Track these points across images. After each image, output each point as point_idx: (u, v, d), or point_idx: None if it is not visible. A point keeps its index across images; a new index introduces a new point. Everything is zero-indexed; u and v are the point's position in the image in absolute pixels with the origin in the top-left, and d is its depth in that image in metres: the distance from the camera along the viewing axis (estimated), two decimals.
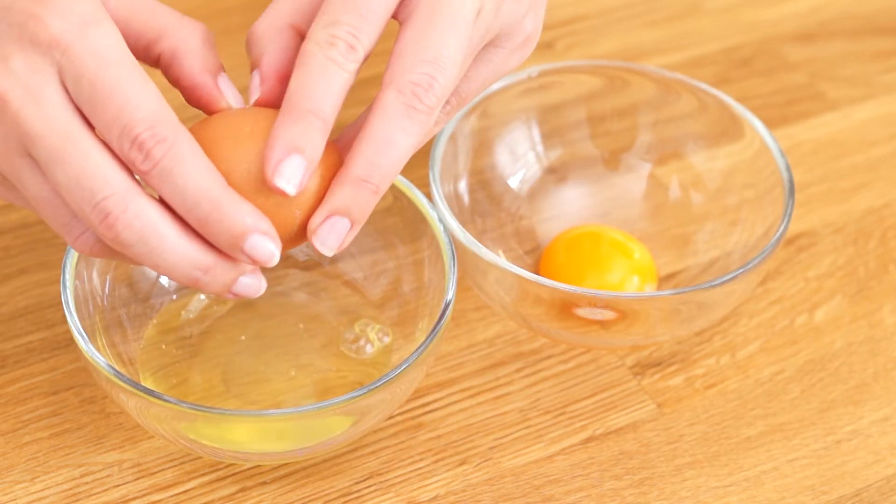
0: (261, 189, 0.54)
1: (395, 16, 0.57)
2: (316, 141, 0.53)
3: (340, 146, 0.58)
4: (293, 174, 0.53)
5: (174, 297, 0.68)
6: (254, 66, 0.58)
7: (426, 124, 0.55)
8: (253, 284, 0.55)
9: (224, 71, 0.58)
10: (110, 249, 0.55)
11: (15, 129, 0.53)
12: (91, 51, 0.52)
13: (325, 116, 0.54)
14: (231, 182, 0.54)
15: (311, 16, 0.57)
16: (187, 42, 0.57)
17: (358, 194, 0.54)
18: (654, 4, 0.90)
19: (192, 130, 0.55)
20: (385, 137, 0.54)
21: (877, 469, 0.66)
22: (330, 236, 0.55)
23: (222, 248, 0.53)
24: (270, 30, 0.57)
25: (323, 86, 0.54)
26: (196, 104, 0.58)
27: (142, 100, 0.52)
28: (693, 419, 0.68)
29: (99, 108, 0.52)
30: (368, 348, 0.67)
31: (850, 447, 0.67)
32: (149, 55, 0.58)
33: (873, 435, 0.67)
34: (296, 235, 0.56)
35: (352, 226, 0.55)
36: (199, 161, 0.52)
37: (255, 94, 0.57)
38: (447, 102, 0.59)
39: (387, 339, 0.68)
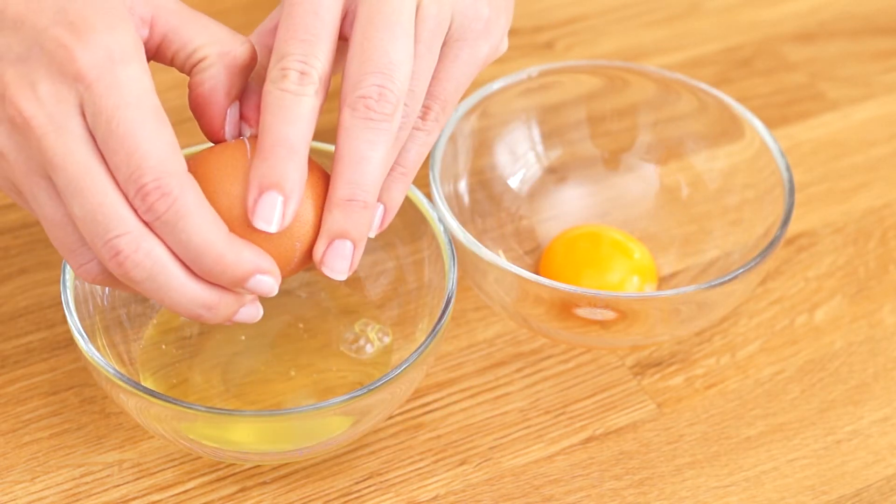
0: (255, 230, 0.55)
1: (342, 32, 0.58)
2: (288, 172, 0.54)
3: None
4: (270, 212, 0.54)
5: None
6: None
7: (389, 131, 0.56)
8: (251, 312, 0.57)
9: (238, 100, 0.58)
10: (113, 279, 0.56)
11: (37, 153, 0.54)
12: (112, 89, 0.53)
13: (293, 145, 0.54)
14: (233, 216, 0.55)
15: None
16: (231, 59, 0.57)
17: (349, 215, 0.56)
18: (654, 4, 0.90)
19: (198, 158, 0.56)
20: (355, 155, 0.56)
21: (877, 469, 0.66)
22: (337, 262, 0.56)
23: (226, 287, 0.55)
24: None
25: (283, 117, 0.55)
26: (199, 116, 0.58)
27: (153, 148, 0.53)
28: (693, 419, 0.68)
29: (111, 148, 0.53)
30: (368, 348, 0.67)
31: (850, 447, 0.67)
32: (189, 60, 0.58)
33: (873, 435, 0.67)
34: (298, 264, 0.57)
35: (355, 246, 0.56)
36: (202, 215, 0.53)
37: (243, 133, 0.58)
38: (428, 108, 0.59)
39: (387, 339, 0.68)
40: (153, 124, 0.53)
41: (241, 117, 0.58)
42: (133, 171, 0.52)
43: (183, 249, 0.54)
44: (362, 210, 0.56)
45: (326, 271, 0.56)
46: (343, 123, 0.56)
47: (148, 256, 0.53)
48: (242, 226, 0.55)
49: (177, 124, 0.57)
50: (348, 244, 0.56)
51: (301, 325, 0.68)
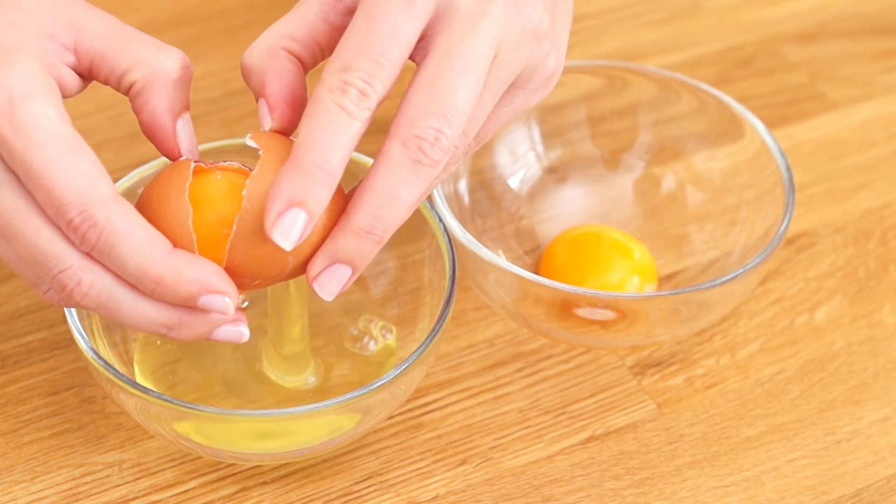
0: (255, 236, 0.54)
1: (411, 57, 0.56)
2: (320, 196, 0.53)
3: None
4: (290, 228, 0.53)
5: None
6: (257, 94, 0.57)
7: (431, 177, 0.54)
8: (233, 332, 0.56)
9: (188, 111, 0.57)
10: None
11: None
12: (18, 132, 0.53)
13: (332, 170, 0.53)
14: (188, 235, 0.54)
15: (301, 37, 0.57)
16: (161, 77, 0.56)
17: (360, 245, 0.54)
18: (654, 4, 0.90)
19: (151, 181, 0.56)
20: (389, 191, 0.54)
21: (877, 469, 0.66)
22: (330, 284, 0.55)
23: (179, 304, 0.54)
24: (264, 56, 0.57)
25: (332, 137, 0.53)
26: (150, 139, 0.57)
27: (70, 182, 0.52)
28: (693, 419, 0.68)
29: (33, 188, 0.53)
30: (372, 345, 0.67)
31: (850, 447, 0.67)
32: (121, 86, 0.57)
33: (873, 435, 0.67)
34: (287, 275, 0.56)
35: (353, 273, 0.55)
36: (134, 237, 0.53)
37: (267, 124, 0.57)
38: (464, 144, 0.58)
39: (390, 336, 0.68)
40: (67, 157, 0.53)
41: (264, 97, 0.57)
42: (57, 209, 0.52)
43: (124, 274, 0.54)
44: (374, 245, 0.55)
45: (317, 289, 0.55)
46: (387, 154, 0.54)
47: (93, 287, 0.54)
48: (211, 242, 0.54)
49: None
50: (348, 270, 0.55)
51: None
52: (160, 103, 0.56)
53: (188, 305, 0.54)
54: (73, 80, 0.57)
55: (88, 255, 0.54)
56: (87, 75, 0.57)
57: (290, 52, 0.57)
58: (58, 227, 0.53)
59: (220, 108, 0.81)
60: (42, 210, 0.53)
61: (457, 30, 0.55)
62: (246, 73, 0.57)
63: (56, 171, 0.52)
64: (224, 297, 0.54)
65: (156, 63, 0.56)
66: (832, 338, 0.72)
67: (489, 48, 0.55)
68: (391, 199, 0.54)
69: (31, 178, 0.53)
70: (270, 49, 0.56)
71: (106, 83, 0.58)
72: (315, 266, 0.55)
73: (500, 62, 0.56)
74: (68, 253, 0.53)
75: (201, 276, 0.54)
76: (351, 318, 0.68)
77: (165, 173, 0.56)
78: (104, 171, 0.53)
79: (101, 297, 0.54)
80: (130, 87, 0.57)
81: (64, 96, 0.56)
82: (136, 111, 0.57)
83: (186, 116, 0.57)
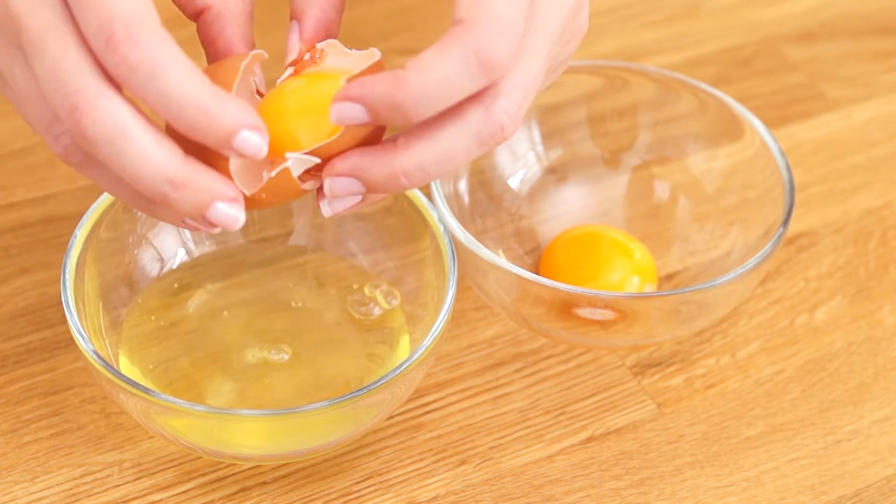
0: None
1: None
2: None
3: None
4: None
5: (175, 284, 0.68)
6: (293, 15, 0.56)
7: (492, 147, 0.54)
8: (230, 213, 0.53)
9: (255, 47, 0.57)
10: (84, 156, 0.54)
11: (7, 20, 0.52)
12: None
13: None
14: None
15: None
16: (236, 7, 0.56)
17: (390, 182, 0.53)
18: (654, 4, 0.90)
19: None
20: (449, 152, 0.53)
21: (877, 469, 0.66)
22: (340, 190, 0.54)
23: (212, 146, 0.52)
24: None
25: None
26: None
27: (124, 2, 0.50)
28: (693, 419, 0.68)
29: (82, 3, 0.51)
30: (376, 311, 0.68)
31: (850, 447, 0.67)
32: (190, 7, 0.57)
33: (873, 435, 0.67)
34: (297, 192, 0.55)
35: (362, 201, 0.54)
36: (180, 65, 0.50)
37: (293, 53, 0.56)
38: None
39: (395, 302, 0.68)
40: None
41: (299, 25, 0.56)
42: (102, 21, 0.50)
43: (164, 102, 0.50)
44: (400, 189, 0.53)
45: (326, 190, 0.54)
46: (466, 117, 0.53)
47: (107, 115, 0.51)
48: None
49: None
50: (359, 197, 0.54)
51: (303, 322, 0.68)
52: (237, 32, 0.56)
53: (223, 144, 0.51)
54: None
55: (114, 84, 0.51)
56: None
57: None
58: (89, 50, 0.51)
59: None
60: (78, 30, 0.51)
61: None
62: None
63: None
64: (261, 136, 0.51)
65: None
66: (832, 338, 0.72)
67: (560, 20, 0.55)
68: (448, 159, 0.53)
69: None
70: None
71: None
72: (338, 167, 0.54)
73: (560, 39, 0.56)
74: (91, 75, 0.51)
75: (244, 111, 0.51)
76: (357, 286, 0.68)
77: (218, 65, 0.55)
78: (155, 9, 0.51)
79: (116, 128, 0.50)
80: (202, 11, 0.56)
81: None
82: (210, 39, 0.56)
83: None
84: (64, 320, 0.69)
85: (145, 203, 0.54)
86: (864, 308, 0.73)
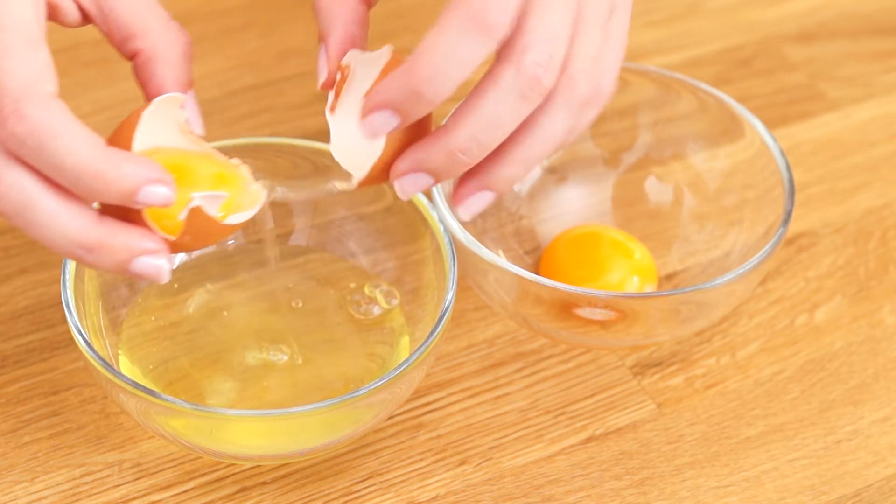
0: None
1: None
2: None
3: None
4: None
5: (175, 284, 0.68)
6: (321, 37, 0.57)
7: (536, 105, 0.55)
8: (152, 265, 0.53)
9: (192, 88, 0.57)
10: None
11: None
12: None
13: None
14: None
15: None
16: (168, 50, 0.56)
17: (449, 163, 0.55)
18: (654, 4, 0.90)
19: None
20: (495, 117, 0.54)
21: (877, 469, 0.66)
22: (411, 186, 0.56)
23: (118, 202, 0.52)
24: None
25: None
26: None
27: (18, 71, 0.51)
28: (693, 419, 0.68)
29: None
30: (375, 310, 0.67)
31: (850, 447, 0.67)
32: (125, 48, 0.57)
33: (873, 435, 0.67)
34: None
35: (433, 182, 0.56)
36: (71, 133, 0.51)
37: (322, 75, 0.57)
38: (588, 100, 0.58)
39: (395, 302, 0.68)
40: (23, 48, 0.51)
41: (326, 45, 0.57)
42: None
43: (58, 173, 0.51)
44: (464, 166, 0.55)
45: (397, 188, 0.56)
46: (500, 80, 0.54)
47: (12, 188, 0.51)
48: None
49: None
50: (430, 181, 0.56)
51: (303, 322, 0.68)
52: (168, 76, 0.56)
53: (127, 201, 0.52)
54: (72, 9, 0.56)
55: (15, 157, 0.51)
56: (88, 18, 0.57)
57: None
58: None
59: (220, 108, 0.80)
60: None
61: None
62: (316, 8, 0.57)
63: (9, 56, 0.51)
64: (166, 188, 0.52)
65: (165, 36, 0.56)
66: (832, 338, 0.72)
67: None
68: (496, 125, 0.54)
69: None
70: None
71: (107, 37, 0.57)
72: (400, 167, 0.56)
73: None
74: None
75: (142, 167, 0.52)
76: (356, 286, 0.68)
77: (126, 119, 0.55)
78: (55, 74, 0.52)
79: (20, 200, 0.51)
80: (135, 54, 0.56)
81: (58, 20, 0.55)
82: (142, 82, 0.57)
83: (192, 93, 0.57)
84: (64, 320, 0.69)
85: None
86: (864, 308, 0.73)
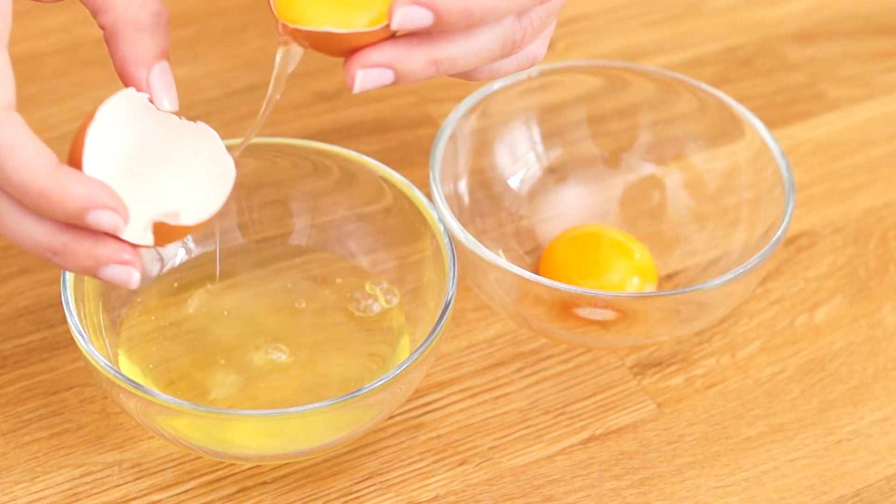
0: None
1: None
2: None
3: None
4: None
5: (175, 284, 0.68)
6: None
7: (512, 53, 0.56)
8: (122, 272, 0.53)
9: (164, 58, 0.56)
10: None
11: None
12: None
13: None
14: None
15: None
16: (127, 25, 0.55)
17: (422, 71, 0.54)
18: (654, 4, 0.90)
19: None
20: (481, 48, 0.55)
21: (877, 469, 0.66)
22: (373, 80, 0.54)
23: (68, 221, 0.52)
24: None
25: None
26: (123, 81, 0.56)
27: None
28: (693, 419, 0.68)
29: None
30: (375, 307, 0.67)
31: (850, 447, 0.67)
32: (98, 25, 0.56)
33: (873, 435, 0.67)
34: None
35: (392, 83, 0.54)
36: (21, 150, 0.51)
37: None
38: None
39: (395, 301, 0.68)
40: None
41: None
42: None
43: (9, 188, 0.51)
44: (432, 74, 0.54)
45: (356, 77, 0.54)
46: (504, 20, 0.54)
47: None
48: None
49: None
50: (392, 77, 0.54)
51: (303, 322, 0.68)
52: (129, 52, 0.55)
53: (77, 223, 0.52)
54: None
55: None
56: None
57: None
58: None
59: (220, 108, 0.81)
60: None
61: None
62: None
63: None
64: (113, 214, 0.51)
65: (126, 11, 0.55)
66: (832, 338, 0.72)
67: None
68: (477, 56, 0.55)
69: None
70: None
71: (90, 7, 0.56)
72: (373, 57, 0.54)
73: None
74: None
75: (88, 191, 0.51)
76: (356, 285, 0.68)
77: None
78: (12, 84, 0.51)
79: None
80: (103, 29, 0.56)
81: None
82: (111, 57, 0.56)
83: (163, 65, 0.56)
84: (64, 320, 0.69)
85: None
86: (864, 308, 0.73)
